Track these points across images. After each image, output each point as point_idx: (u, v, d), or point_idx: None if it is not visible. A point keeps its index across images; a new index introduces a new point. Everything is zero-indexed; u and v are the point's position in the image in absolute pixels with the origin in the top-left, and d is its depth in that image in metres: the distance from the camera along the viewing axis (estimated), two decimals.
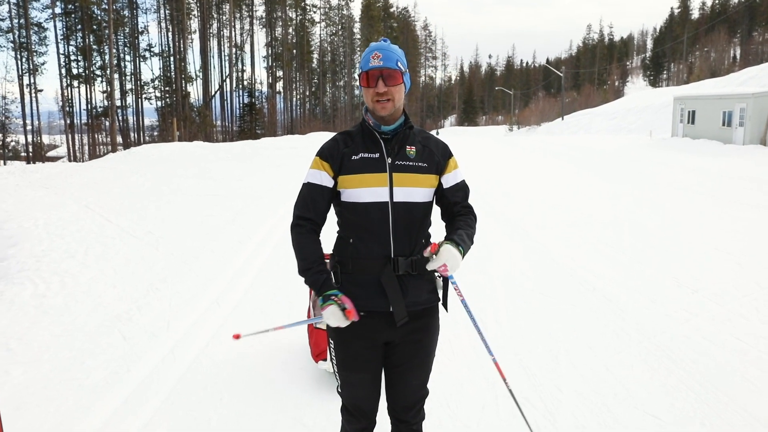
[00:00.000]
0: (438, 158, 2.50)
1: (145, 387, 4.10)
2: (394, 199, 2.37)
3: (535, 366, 4.40)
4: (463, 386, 4.10)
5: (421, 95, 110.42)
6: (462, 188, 2.58)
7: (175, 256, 7.77)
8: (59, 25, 53.41)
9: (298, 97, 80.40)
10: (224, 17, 63.83)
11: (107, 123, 47.60)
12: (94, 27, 49.83)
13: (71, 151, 52.04)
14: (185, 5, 53.96)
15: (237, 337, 2.46)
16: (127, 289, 6.42)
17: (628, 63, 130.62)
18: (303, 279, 2.40)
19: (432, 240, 2.51)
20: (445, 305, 2.55)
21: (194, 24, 61.03)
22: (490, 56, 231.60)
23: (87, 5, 48.08)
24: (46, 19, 53.46)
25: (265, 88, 74.22)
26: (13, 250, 8.21)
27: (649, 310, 5.59)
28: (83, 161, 37.91)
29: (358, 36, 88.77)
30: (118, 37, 54.48)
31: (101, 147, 51.36)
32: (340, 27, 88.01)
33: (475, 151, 25.36)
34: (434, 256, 2.33)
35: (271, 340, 4.87)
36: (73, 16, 52.09)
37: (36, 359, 4.56)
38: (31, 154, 49.59)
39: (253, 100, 67.14)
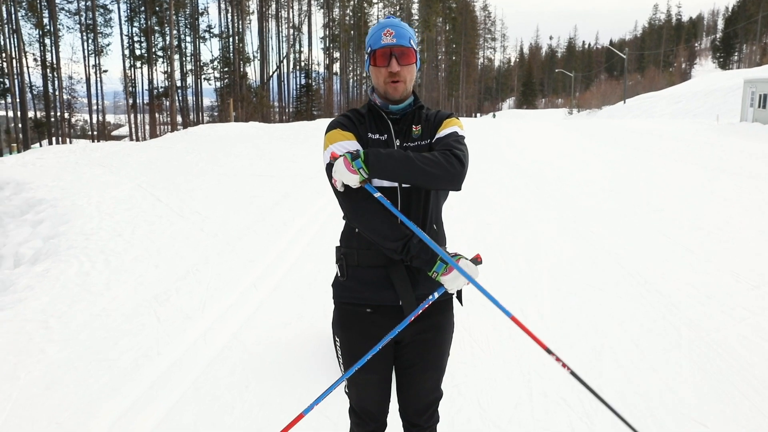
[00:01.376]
0: (437, 126, 2.29)
1: (174, 371, 4.08)
2: (403, 184, 2.19)
3: (577, 362, 4.17)
4: (496, 381, 3.92)
5: (479, 77, 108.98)
6: (445, 141, 2.21)
7: (219, 236, 7.79)
8: (123, 7, 54.84)
9: (355, 78, 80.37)
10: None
11: (167, 103, 48.55)
12: (156, 8, 50.79)
13: (132, 130, 53.47)
14: None
15: None
16: (168, 269, 6.45)
17: (696, 44, 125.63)
18: (395, 255, 2.12)
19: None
20: (459, 299, 2.36)
21: (253, 5, 61.60)
22: (550, 38, 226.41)
23: None
24: (111, 2, 54.71)
25: (322, 69, 74.47)
26: (64, 227, 8.39)
27: (703, 306, 5.26)
28: (144, 140, 38.81)
29: (416, 17, 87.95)
30: (179, 18, 55.41)
31: (161, 127, 52.61)
32: (398, 8, 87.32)
33: (532, 134, 24.76)
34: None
35: (304, 329, 4.79)
36: None
37: (72, 338, 4.60)
38: (95, 132, 51.24)
39: (310, 81, 67.50)
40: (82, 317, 5.03)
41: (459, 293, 2.32)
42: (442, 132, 2.27)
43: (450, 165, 2.09)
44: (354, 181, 2.05)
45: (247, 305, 5.36)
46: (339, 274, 2.30)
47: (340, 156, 2.06)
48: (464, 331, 4.58)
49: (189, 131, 26.30)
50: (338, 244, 2.34)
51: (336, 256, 2.34)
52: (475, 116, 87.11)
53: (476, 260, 2.11)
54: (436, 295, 2.12)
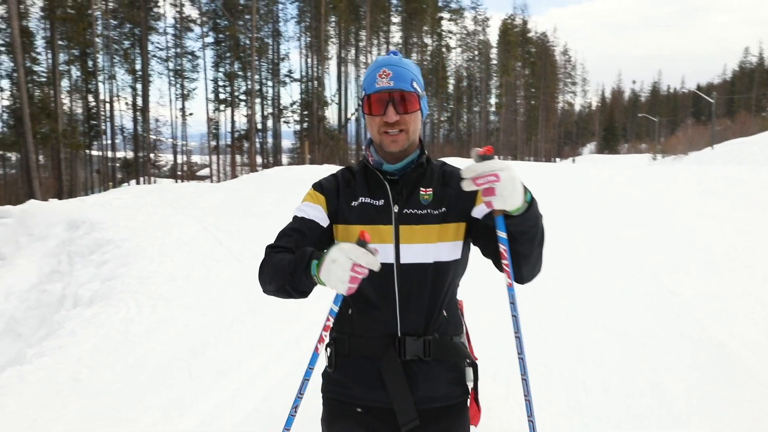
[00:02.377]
0: (463, 197, 1.86)
1: None
2: (401, 260, 1.82)
3: None
4: None
5: (558, 122, 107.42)
6: None
7: None
8: (210, 53, 57.31)
9: (433, 122, 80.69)
10: (361, 44, 65.46)
11: (247, 145, 49.97)
12: (241, 54, 52.75)
13: (212, 171, 55.28)
14: (324, 33, 55.87)
15: None
16: (214, 318, 6.25)
17: None
18: (292, 288, 1.74)
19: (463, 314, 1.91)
20: (476, 400, 1.93)
21: (332, 50, 63.11)
22: (633, 81, 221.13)
23: (234, 34, 50.98)
24: (199, 48, 57.27)
25: None
26: (123, 269, 8.40)
27: None
28: (224, 180, 39.89)
29: (495, 61, 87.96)
30: (261, 63, 57.34)
31: (241, 168, 54.11)
32: (476, 52, 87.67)
33: (612, 179, 23.79)
34: (479, 159, 1.55)
35: None
36: (222, 44, 55.47)
37: (98, 393, 4.41)
38: (180, 173, 53.24)
39: None
40: (115, 369, 4.85)
41: (476, 392, 1.92)
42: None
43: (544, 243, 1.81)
44: (518, 202, 1.60)
45: (284, 362, 5.05)
46: (327, 364, 1.95)
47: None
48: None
49: (263, 173, 26.71)
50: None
51: (327, 341, 1.98)
52: (554, 161, 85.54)
53: (362, 241, 1.58)
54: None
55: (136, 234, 10.72)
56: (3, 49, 39.84)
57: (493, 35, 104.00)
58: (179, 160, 57.09)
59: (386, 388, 1.80)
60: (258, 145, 54.88)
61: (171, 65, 54.24)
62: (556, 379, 4.63)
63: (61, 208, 13.12)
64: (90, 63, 43.27)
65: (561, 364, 4.92)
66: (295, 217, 1.96)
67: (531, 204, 1.65)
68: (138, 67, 49.91)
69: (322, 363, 1.97)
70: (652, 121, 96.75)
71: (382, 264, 1.77)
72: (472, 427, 3.53)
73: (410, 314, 1.83)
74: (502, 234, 1.65)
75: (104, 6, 44.60)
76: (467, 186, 1.55)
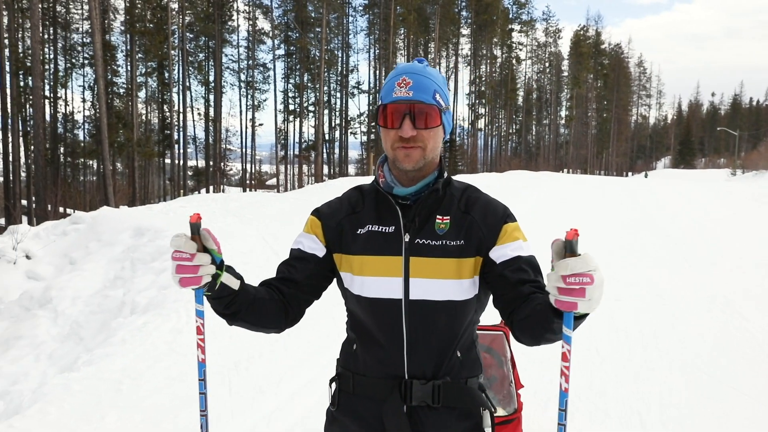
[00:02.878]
0: (484, 230, 1.66)
1: None
2: (411, 296, 1.62)
3: None
4: None
5: (631, 135, 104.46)
6: (529, 263, 1.64)
7: (322, 299, 7.49)
8: (280, 65, 58.57)
9: (501, 134, 79.83)
10: (430, 56, 65.47)
11: (314, 155, 50.63)
12: (310, 66, 53.61)
13: (279, 180, 56.27)
14: (393, 45, 56.16)
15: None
16: (249, 338, 6.19)
17: None
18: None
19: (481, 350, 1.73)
20: (492, 425, 1.72)
21: (401, 62, 63.43)
22: (713, 94, 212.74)
23: (304, 46, 51.88)
24: (270, 60, 58.61)
25: (467, 125, 74.70)
26: None
27: None
28: (290, 190, 40.52)
29: (566, 73, 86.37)
30: (330, 75, 58.10)
31: (308, 178, 54.87)
32: (547, 64, 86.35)
33: (687, 195, 22.77)
34: (569, 247, 1.33)
35: None
36: (293, 56, 56.53)
37: (136, 405, 4.40)
38: (248, 182, 54.43)
39: (454, 136, 67.83)
40: (156, 381, 4.84)
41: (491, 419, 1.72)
42: (508, 247, 1.64)
43: None
44: (594, 308, 1.35)
45: (323, 384, 4.92)
46: (330, 402, 1.80)
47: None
48: None
49: (327, 183, 26.93)
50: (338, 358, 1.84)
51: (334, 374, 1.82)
52: (626, 175, 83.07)
53: (192, 223, 1.49)
54: None
55: None
56: (86, 61, 41.84)
57: (564, 47, 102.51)
58: (248, 170, 58.39)
59: None
60: (325, 156, 55.55)
61: (243, 77, 55.66)
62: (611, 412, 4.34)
63: (130, 215, 13.49)
64: (166, 75, 44.83)
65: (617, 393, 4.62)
66: (291, 250, 1.85)
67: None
68: (211, 78, 51.45)
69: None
70: (732, 135, 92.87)
71: (391, 299, 1.62)
72: None
73: (419, 356, 1.65)
74: (568, 332, 1.42)
75: (181, 20, 46.19)
76: (554, 283, 1.32)
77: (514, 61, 78.19)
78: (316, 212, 1.83)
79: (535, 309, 1.51)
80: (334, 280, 1.83)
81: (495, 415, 3.44)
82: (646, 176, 66.21)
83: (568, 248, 1.34)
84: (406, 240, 1.65)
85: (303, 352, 5.60)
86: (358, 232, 1.71)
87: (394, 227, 1.68)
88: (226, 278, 1.60)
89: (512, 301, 1.61)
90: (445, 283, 1.62)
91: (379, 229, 1.69)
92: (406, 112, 1.61)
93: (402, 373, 1.65)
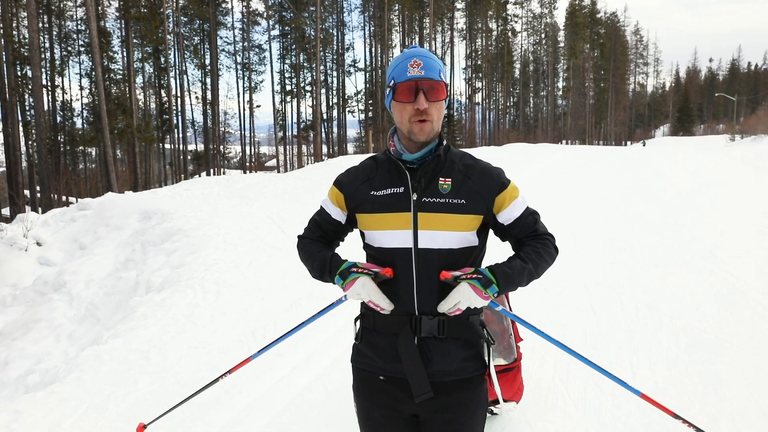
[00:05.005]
0: (484, 194, 1.99)
1: (249, 412, 4.06)
2: (419, 245, 1.93)
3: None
4: None
5: (630, 104, 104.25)
6: (524, 222, 2.05)
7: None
8: (276, 46, 58.40)
9: (498, 107, 79.76)
10: (425, 31, 65.24)
11: (313, 135, 50.75)
12: (306, 46, 53.53)
13: (279, 161, 56.47)
14: (388, 21, 56.00)
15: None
16: (273, 303, 6.55)
17: None
18: (324, 282, 2.17)
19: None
20: (491, 375, 2.06)
21: (396, 39, 63.20)
22: (710, 60, 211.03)
23: (299, 26, 51.78)
24: (266, 41, 58.46)
25: (464, 99, 74.65)
26: (191, 257, 8.83)
27: None
28: (290, 171, 40.78)
29: (562, 44, 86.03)
30: (326, 54, 58.02)
31: (307, 158, 55.05)
32: (543, 35, 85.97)
33: (685, 162, 23.01)
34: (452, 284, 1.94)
35: None
36: (288, 36, 56.40)
37: (165, 371, 4.75)
38: (248, 164, 54.59)
39: (452, 111, 67.80)
40: (180, 350, 5.19)
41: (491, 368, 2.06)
42: (511, 209, 2.03)
43: (552, 256, 2.07)
44: (484, 303, 1.95)
45: (340, 344, 5.28)
46: (355, 337, 2.13)
47: (463, 281, 1.91)
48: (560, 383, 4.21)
49: (328, 162, 27.17)
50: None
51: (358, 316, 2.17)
52: (625, 144, 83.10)
53: (380, 274, 1.98)
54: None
55: (203, 223, 11.20)
56: (82, 49, 41.84)
57: (560, 18, 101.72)
58: (248, 152, 58.60)
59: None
60: (323, 135, 55.70)
61: (239, 59, 55.60)
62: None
63: (136, 200, 13.79)
64: (162, 59, 44.85)
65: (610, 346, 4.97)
66: (321, 210, 2.23)
67: (499, 291, 1.93)
68: (207, 61, 51.38)
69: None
70: (731, 100, 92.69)
71: (403, 248, 1.96)
72: (513, 403, 3.66)
73: (426, 295, 1.95)
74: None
75: (175, 4, 46.06)
76: (444, 309, 1.95)
77: (509, 34, 77.84)
78: (338, 183, 2.15)
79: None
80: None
81: (497, 364, 3.79)
82: (644, 145, 66.32)
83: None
84: (414, 198, 1.96)
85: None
86: (373, 194, 2.03)
87: (403, 188, 1.99)
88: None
89: (515, 245, 2.11)
90: (448, 234, 1.95)
91: (391, 191, 2.00)
92: (421, 87, 1.93)
93: (413, 310, 1.97)
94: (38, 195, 30.97)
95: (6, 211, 31.95)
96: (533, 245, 2.04)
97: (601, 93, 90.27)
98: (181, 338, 5.47)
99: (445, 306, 1.92)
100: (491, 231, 2.11)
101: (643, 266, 7.54)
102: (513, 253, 2.10)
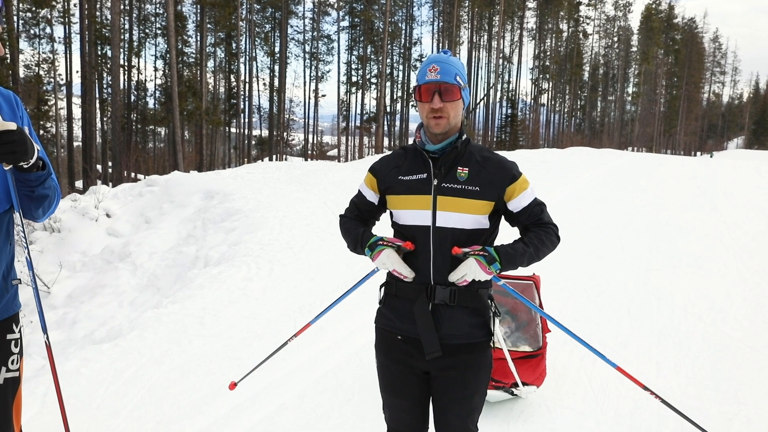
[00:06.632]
0: (497, 184, 2.28)
1: (291, 377, 4.42)
2: (437, 224, 2.25)
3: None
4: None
5: (703, 113, 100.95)
6: (531, 211, 2.35)
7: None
8: (344, 37, 59.11)
9: (564, 110, 78.60)
10: (494, 29, 64.86)
11: (375, 127, 51.24)
12: (374, 38, 54.02)
13: (340, 151, 57.23)
14: (457, 18, 55.96)
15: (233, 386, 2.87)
16: (322, 283, 6.92)
17: None
18: (357, 254, 2.50)
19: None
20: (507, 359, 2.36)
21: (464, 35, 63.09)
22: None
23: (369, 18, 52.28)
24: (335, 32, 59.18)
25: (529, 100, 73.88)
26: (248, 236, 9.31)
27: None
28: (350, 161, 41.37)
29: (635, 48, 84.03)
30: (393, 47, 58.37)
31: (369, 149, 55.61)
32: (616, 39, 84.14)
33: (743, 178, 22.31)
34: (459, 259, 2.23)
35: None
36: (357, 28, 57.01)
37: (216, 335, 5.16)
38: (310, 152, 55.55)
39: (516, 111, 67.21)
40: (233, 318, 5.61)
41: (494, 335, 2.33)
42: (520, 199, 2.32)
43: (553, 243, 2.36)
44: (488, 277, 2.24)
45: (354, 343, 5.55)
46: (379, 301, 2.44)
47: (471, 256, 2.21)
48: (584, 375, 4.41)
49: (386, 154, 27.55)
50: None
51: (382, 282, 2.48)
52: (694, 155, 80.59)
53: (402, 247, 2.30)
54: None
55: (261, 206, 11.71)
56: (159, 32, 43.35)
57: (635, 21, 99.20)
58: (310, 140, 59.60)
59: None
60: (386, 128, 56.13)
61: (307, 48, 56.52)
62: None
63: (200, 180, 14.46)
64: (233, 45, 46.05)
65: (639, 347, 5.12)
66: (359, 192, 2.58)
67: (501, 268, 2.24)
68: (277, 49, 52.48)
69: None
70: None
71: (423, 225, 2.29)
72: (533, 387, 3.89)
73: (440, 267, 2.27)
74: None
75: None
76: (453, 279, 2.25)
77: (580, 36, 76.51)
78: (373, 170, 2.51)
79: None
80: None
81: (522, 350, 4.04)
82: (711, 156, 64.32)
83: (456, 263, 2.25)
84: (435, 183, 2.28)
85: (357, 301, 6.25)
86: (401, 178, 2.36)
87: (426, 174, 2.32)
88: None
89: (522, 231, 2.42)
90: (462, 216, 2.26)
91: (416, 177, 2.33)
92: (436, 89, 2.25)
93: (429, 280, 2.29)
94: (110, 170, 32.44)
95: (80, 184, 33.58)
96: (537, 232, 2.34)
97: (672, 101, 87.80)
98: (233, 308, 5.89)
99: (454, 276, 2.22)
100: (503, 216, 2.41)
101: (687, 274, 7.58)
102: (519, 236, 2.40)
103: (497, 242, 2.37)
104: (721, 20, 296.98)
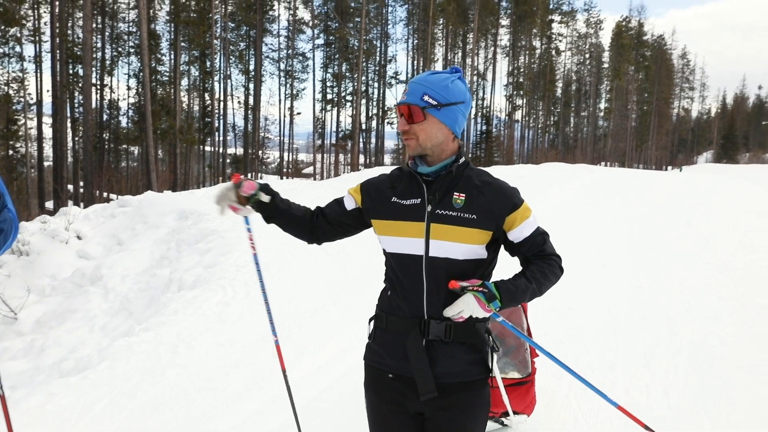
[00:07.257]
0: (495, 212, 2.10)
1: (269, 407, 4.23)
2: (430, 253, 2.07)
3: None
4: None
5: (673, 128, 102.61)
6: (533, 241, 2.18)
7: (355, 278, 7.99)
8: (319, 54, 59.24)
9: (539, 126, 79.34)
10: (468, 46, 65.41)
11: (351, 144, 51.23)
12: (349, 56, 54.16)
13: (316, 169, 57.07)
14: (431, 35, 56.32)
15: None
16: (299, 306, 6.73)
17: None
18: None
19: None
20: (500, 388, 2.20)
21: (439, 53, 63.48)
22: (760, 87, 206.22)
23: (343, 36, 52.44)
24: (310, 50, 59.29)
25: (503, 116, 74.49)
26: (223, 258, 9.08)
27: None
28: (326, 179, 41.20)
29: (606, 65, 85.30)
30: (368, 65, 58.56)
31: (344, 167, 55.53)
32: (587, 55, 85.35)
33: (713, 191, 22.61)
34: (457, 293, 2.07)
35: None
36: (332, 46, 57.13)
37: (191, 364, 4.95)
38: (285, 170, 55.29)
39: (490, 127, 67.71)
40: (207, 345, 5.40)
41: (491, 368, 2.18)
42: (521, 229, 2.15)
43: (557, 276, 2.20)
44: (486, 315, 2.08)
45: (360, 349, 5.41)
46: (368, 336, 2.28)
47: (469, 292, 2.03)
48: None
49: (364, 172, 27.46)
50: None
51: (373, 314, 2.32)
52: (665, 169, 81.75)
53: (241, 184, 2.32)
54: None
55: (237, 225, 11.46)
56: (132, 50, 42.98)
57: (606, 38, 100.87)
58: (286, 158, 59.38)
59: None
60: (361, 145, 56.15)
61: (282, 66, 56.48)
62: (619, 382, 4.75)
63: (174, 199, 14.19)
64: (208, 63, 45.82)
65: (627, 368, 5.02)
66: (341, 198, 2.43)
67: (502, 306, 2.06)
68: (251, 67, 52.35)
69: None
70: None
71: (415, 254, 2.10)
72: (524, 416, 3.75)
73: (435, 300, 2.10)
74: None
75: (224, 9, 47.09)
76: (449, 314, 2.07)
77: (553, 52, 77.49)
78: (364, 184, 2.34)
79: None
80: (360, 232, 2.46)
81: (511, 377, 3.90)
82: (680, 170, 65.29)
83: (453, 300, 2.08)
84: (429, 210, 2.11)
85: (338, 324, 6.09)
86: (392, 200, 2.19)
87: (420, 199, 2.14)
88: (261, 195, 2.35)
89: (523, 262, 2.25)
90: (457, 245, 2.08)
91: (409, 201, 2.16)
92: (401, 112, 2.13)
93: (422, 313, 2.11)
94: (81, 190, 31.87)
95: (50, 205, 32.95)
96: (539, 265, 2.17)
97: (643, 116, 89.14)
98: (209, 334, 5.68)
99: (450, 312, 2.05)
100: (502, 246, 2.24)
101: (669, 291, 7.53)
102: (521, 267, 2.23)
103: (496, 273, 2.23)
104: (689, 37, 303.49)
